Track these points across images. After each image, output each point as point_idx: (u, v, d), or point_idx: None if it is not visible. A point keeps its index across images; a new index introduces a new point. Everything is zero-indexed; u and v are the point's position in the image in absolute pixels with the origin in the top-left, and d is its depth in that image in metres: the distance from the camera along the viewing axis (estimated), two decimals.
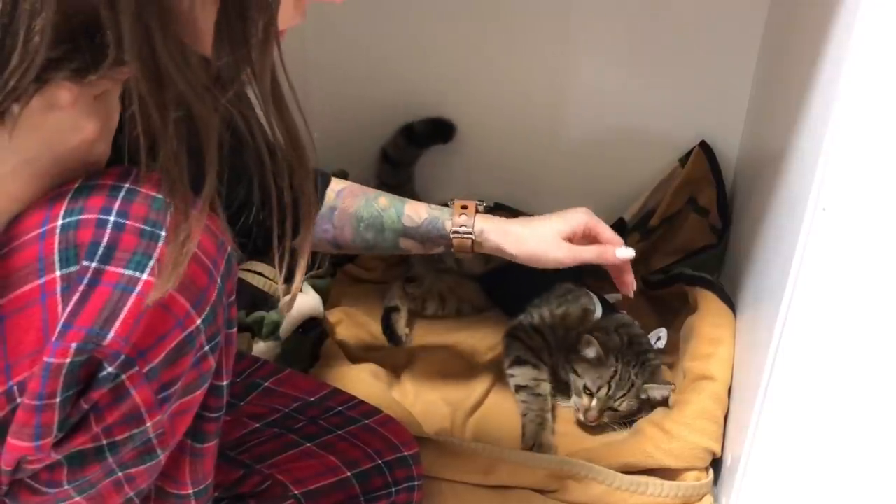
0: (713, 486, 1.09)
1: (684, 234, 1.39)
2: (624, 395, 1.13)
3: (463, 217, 0.96)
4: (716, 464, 1.10)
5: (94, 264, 0.55)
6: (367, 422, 0.94)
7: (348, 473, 0.90)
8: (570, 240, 0.96)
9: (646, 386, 1.14)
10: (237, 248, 0.61)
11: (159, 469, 0.64)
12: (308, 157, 0.66)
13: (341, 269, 1.40)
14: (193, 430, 0.66)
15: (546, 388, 1.19)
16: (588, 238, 0.98)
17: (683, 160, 1.39)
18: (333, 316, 1.31)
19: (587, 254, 0.95)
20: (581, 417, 1.15)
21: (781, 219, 0.98)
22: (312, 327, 1.24)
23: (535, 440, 1.12)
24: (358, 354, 1.26)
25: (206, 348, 0.59)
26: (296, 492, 0.90)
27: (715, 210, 1.37)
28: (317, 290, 1.30)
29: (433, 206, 0.99)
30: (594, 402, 1.13)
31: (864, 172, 0.79)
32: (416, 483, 0.94)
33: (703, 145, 1.38)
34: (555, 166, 1.45)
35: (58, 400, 0.54)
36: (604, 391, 1.13)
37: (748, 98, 1.33)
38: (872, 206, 0.80)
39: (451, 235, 0.96)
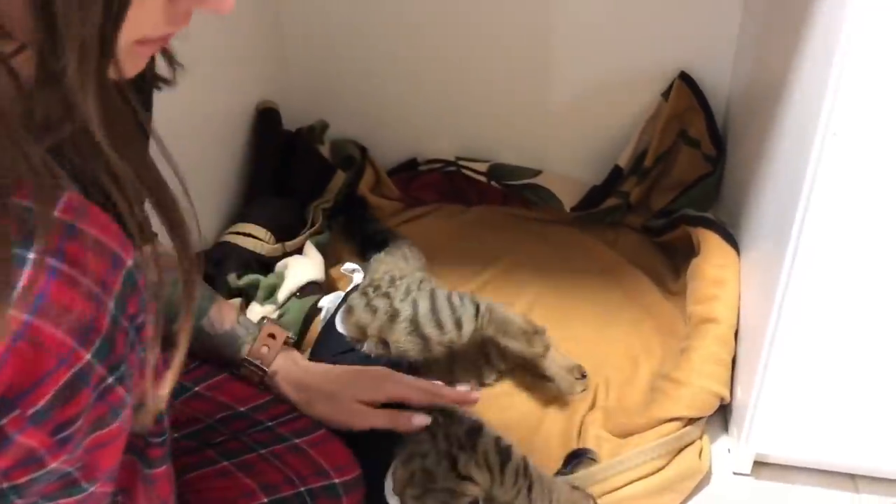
0: (726, 430, 1.06)
1: (679, 168, 1.35)
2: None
3: (265, 349, 0.89)
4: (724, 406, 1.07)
5: None
6: (296, 441, 0.84)
7: (264, 500, 0.82)
8: (370, 404, 0.88)
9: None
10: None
11: (103, 498, 0.56)
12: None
13: (335, 221, 1.37)
14: (140, 455, 0.60)
15: None
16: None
17: (666, 94, 1.34)
18: (335, 272, 1.27)
19: (379, 420, 0.87)
20: None
21: (785, 146, 0.92)
22: (310, 291, 1.18)
23: None
24: None
25: (110, 380, 0.50)
26: None
27: (706, 139, 1.32)
28: (318, 246, 1.25)
29: (243, 319, 0.91)
30: None
31: (879, 94, 0.74)
32: None
33: (683, 76, 1.32)
34: (542, 118, 1.41)
35: None
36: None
37: (738, 24, 1.27)
38: (888, 129, 0.75)
39: (241, 363, 0.88)
